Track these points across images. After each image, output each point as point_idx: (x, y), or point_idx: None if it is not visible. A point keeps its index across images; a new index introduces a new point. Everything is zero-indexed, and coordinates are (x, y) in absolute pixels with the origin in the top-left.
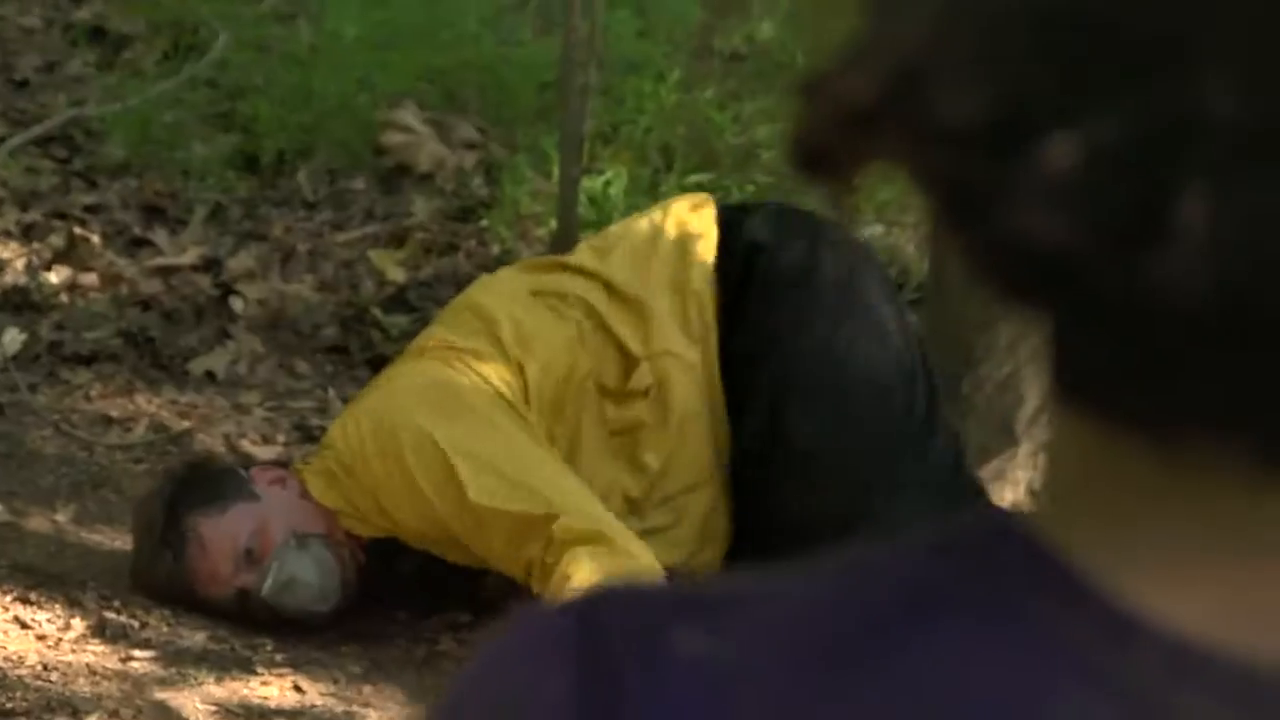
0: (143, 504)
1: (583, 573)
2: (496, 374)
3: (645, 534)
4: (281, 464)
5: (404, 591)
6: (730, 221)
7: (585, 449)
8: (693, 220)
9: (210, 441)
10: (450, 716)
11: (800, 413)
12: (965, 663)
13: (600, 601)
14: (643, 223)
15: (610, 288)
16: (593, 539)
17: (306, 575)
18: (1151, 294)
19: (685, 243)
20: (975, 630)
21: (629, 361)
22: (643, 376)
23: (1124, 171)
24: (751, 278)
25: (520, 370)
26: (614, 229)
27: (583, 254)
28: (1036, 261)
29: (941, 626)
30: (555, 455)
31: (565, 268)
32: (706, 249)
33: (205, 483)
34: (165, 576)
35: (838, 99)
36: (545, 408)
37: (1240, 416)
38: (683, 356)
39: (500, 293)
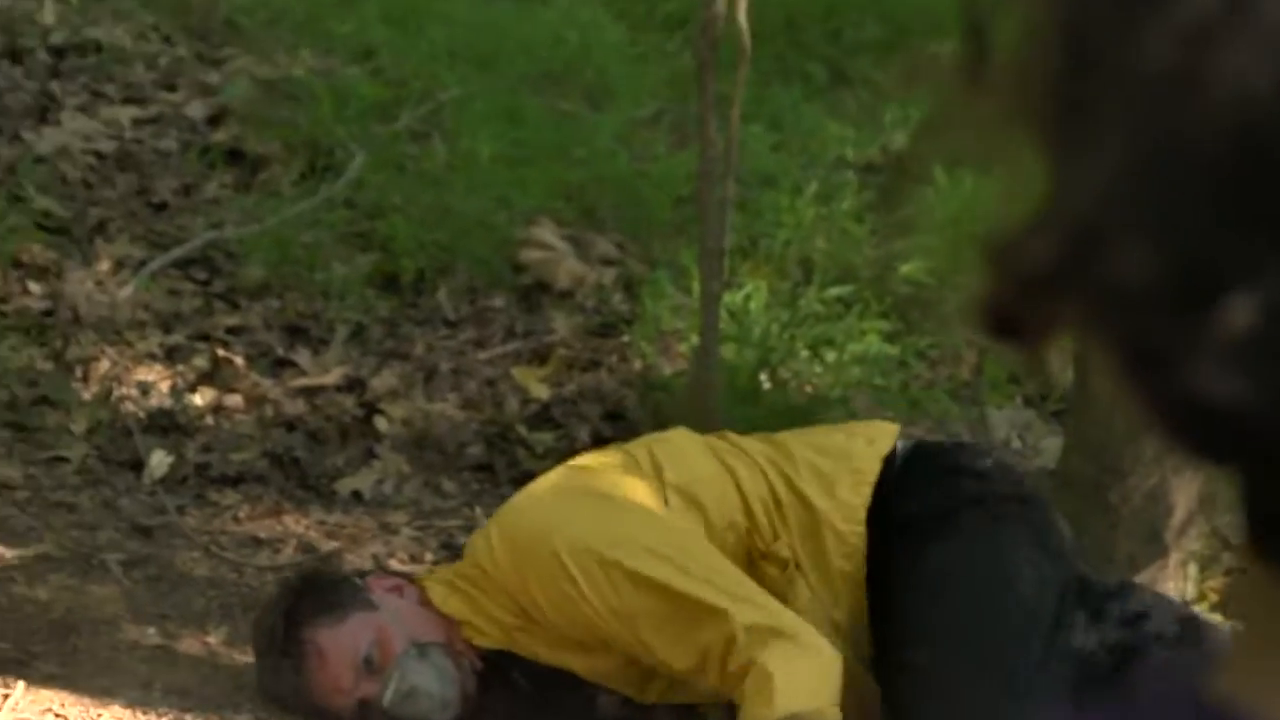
0: (261, 616)
1: (783, 672)
2: (643, 478)
3: None
4: (399, 573)
5: (519, 706)
6: (904, 456)
7: None
8: (861, 448)
9: (359, 562)
10: None
11: (903, 643)
12: None
13: None
14: (818, 435)
15: (767, 480)
16: (779, 634)
17: (428, 685)
18: None
19: (846, 466)
20: None
21: (773, 534)
22: (783, 548)
23: None
24: (891, 514)
25: (663, 484)
26: (790, 433)
27: (753, 441)
28: (1219, 420)
29: None
30: (714, 548)
31: (736, 445)
32: (868, 477)
33: (321, 592)
34: (288, 688)
35: (1020, 264)
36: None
37: None
38: (824, 564)
39: (673, 430)
